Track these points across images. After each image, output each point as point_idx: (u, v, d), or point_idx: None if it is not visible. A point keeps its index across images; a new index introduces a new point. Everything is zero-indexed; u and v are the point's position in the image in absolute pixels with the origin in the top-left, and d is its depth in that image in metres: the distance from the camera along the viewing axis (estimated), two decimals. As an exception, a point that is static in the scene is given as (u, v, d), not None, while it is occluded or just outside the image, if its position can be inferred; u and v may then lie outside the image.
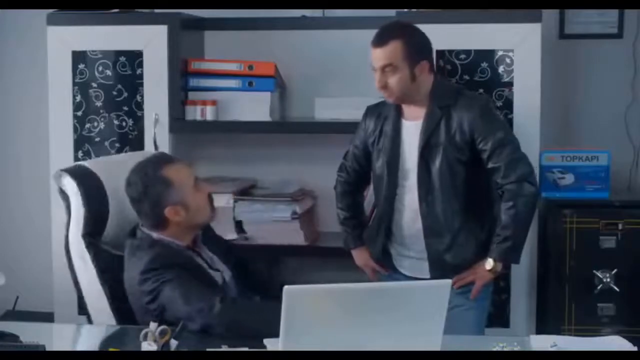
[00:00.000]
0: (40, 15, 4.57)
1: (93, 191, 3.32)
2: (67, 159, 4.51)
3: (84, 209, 3.31)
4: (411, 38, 3.53)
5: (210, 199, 3.40)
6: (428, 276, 3.58)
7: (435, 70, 3.64)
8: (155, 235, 3.29)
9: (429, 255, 3.59)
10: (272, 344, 2.75)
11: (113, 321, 3.24)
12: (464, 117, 3.50)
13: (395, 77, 3.50)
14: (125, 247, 3.30)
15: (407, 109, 3.61)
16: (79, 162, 3.47)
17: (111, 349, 2.79)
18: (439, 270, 3.56)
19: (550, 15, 4.67)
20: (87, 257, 3.30)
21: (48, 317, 4.57)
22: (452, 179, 3.52)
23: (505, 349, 2.79)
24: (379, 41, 3.52)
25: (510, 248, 3.52)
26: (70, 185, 3.35)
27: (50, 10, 4.52)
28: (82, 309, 3.43)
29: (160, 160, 3.37)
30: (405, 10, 4.38)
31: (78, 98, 4.53)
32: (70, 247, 3.34)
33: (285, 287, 2.46)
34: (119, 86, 4.51)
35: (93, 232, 3.33)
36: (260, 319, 2.93)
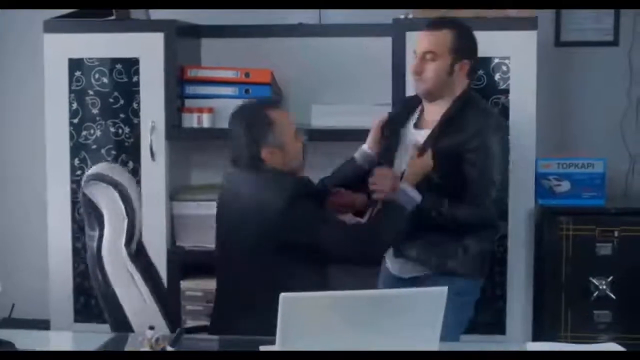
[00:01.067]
0: (37, 22, 4.57)
1: (129, 200, 3.24)
2: (64, 166, 4.51)
3: (127, 218, 3.21)
4: (463, 34, 3.53)
5: (304, 150, 3.45)
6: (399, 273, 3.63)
7: (472, 78, 3.62)
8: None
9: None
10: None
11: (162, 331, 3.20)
12: (473, 143, 3.45)
13: (434, 64, 3.49)
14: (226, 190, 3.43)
15: (426, 114, 3.61)
16: (99, 171, 3.32)
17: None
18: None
19: (545, 22, 4.68)
20: (132, 267, 3.21)
21: (44, 325, 4.57)
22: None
23: None
24: (432, 25, 3.53)
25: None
26: (107, 195, 3.21)
27: (47, 18, 4.52)
28: (124, 325, 3.23)
29: (266, 102, 3.49)
30: (402, 17, 4.39)
31: (74, 105, 4.53)
32: (104, 260, 3.20)
33: (282, 294, 2.46)
34: (116, 93, 4.51)
35: (130, 241, 3.25)
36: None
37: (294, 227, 3.22)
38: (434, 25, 3.55)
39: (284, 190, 3.25)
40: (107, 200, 3.21)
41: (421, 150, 3.47)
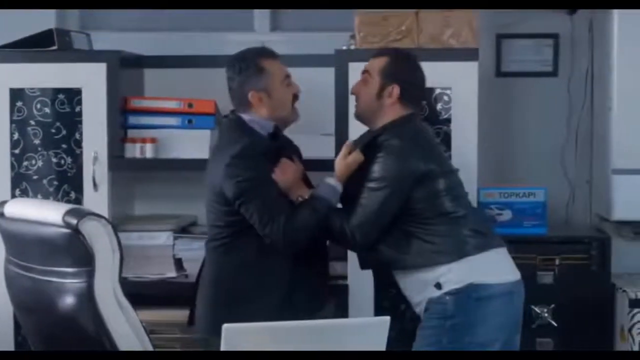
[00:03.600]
0: (-23, 52, 4.55)
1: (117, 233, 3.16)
2: (4, 197, 4.44)
3: (119, 252, 3.13)
4: (398, 60, 3.65)
5: (294, 99, 3.68)
6: None
7: (409, 106, 3.64)
8: (245, 116, 3.60)
9: None
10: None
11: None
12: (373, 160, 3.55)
13: (365, 87, 3.64)
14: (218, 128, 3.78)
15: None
16: (75, 206, 3.22)
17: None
18: None
19: (486, 53, 4.74)
20: (125, 303, 3.14)
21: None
22: None
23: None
24: (375, 53, 3.72)
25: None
26: (100, 229, 3.08)
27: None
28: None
29: (262, 51, 3.72)
30: (344, 47, 4.43)
31: (16, 136, 4.49)
32: (96, 296, 3.06)
33: (225, 325, 2.46)
34: (58, 124, 4.48)
35: (121, 275, 3.16)
36: (316, 222, 3.46)
37: (228, 178, 3.45)
38: (376, 52, 3.72)
39: (238, 146, 3.47)
40: (102, 236, 3.10)
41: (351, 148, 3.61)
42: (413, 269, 3.53)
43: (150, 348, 3.13)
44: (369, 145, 3.58)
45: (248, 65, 3.60)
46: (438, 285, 3.48)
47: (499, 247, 3.61)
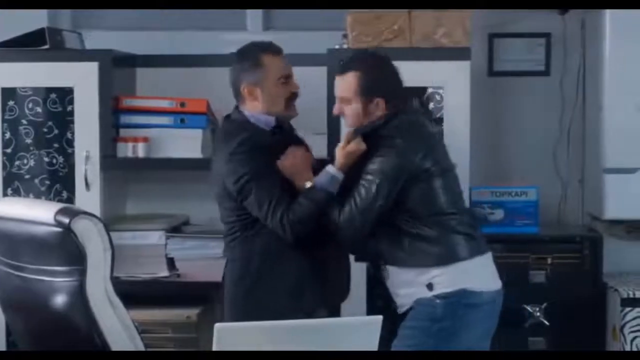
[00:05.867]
0: (-31, 51, 4.54)
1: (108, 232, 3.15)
2: (-4, 196, 4.47)
3: (110, 251, 3.10)
4: (369, 73, 3.55)
5: (292, 98, 3.65)
6: None
7: (399, 108, 3.60)
8: (246, 112, 3.61)
9: None
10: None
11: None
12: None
13: (349, 107, 3.57)
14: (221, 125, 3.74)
15: None
16: (67, 205, 3.21)
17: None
18: None
19: (479, 53, 4.75)
20: (117, 301, 3.12)
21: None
22: None
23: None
24: (339, 70, 3.62)
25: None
26: (92, 228, 3.06)
27: (-21, 47, 4.49)
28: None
29: (264, 46, 3.66)
30: (337, 47, 4.43)
31: (7, 135, 4.49)
32: (88, 295, 3.05)
33: (217, 324, 2.46)
34: (50, 123, 4.48)
35: (112, 273, 3.15)
36: (315, 213, 3.47)
37: (228, 176, 3.51)
38: (340, 69, 3.62)
39: (234, 142, 3.50)
40: (94, 235, 3.07)
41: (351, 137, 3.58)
42: (405, 267, 3.53)
43: (141, 347, 3.12)
44: (371, 136, 3.57)
45: (246, 58, 3.62)
46: (430, 286, 3.47)
47: (486, 252, 3.60)
